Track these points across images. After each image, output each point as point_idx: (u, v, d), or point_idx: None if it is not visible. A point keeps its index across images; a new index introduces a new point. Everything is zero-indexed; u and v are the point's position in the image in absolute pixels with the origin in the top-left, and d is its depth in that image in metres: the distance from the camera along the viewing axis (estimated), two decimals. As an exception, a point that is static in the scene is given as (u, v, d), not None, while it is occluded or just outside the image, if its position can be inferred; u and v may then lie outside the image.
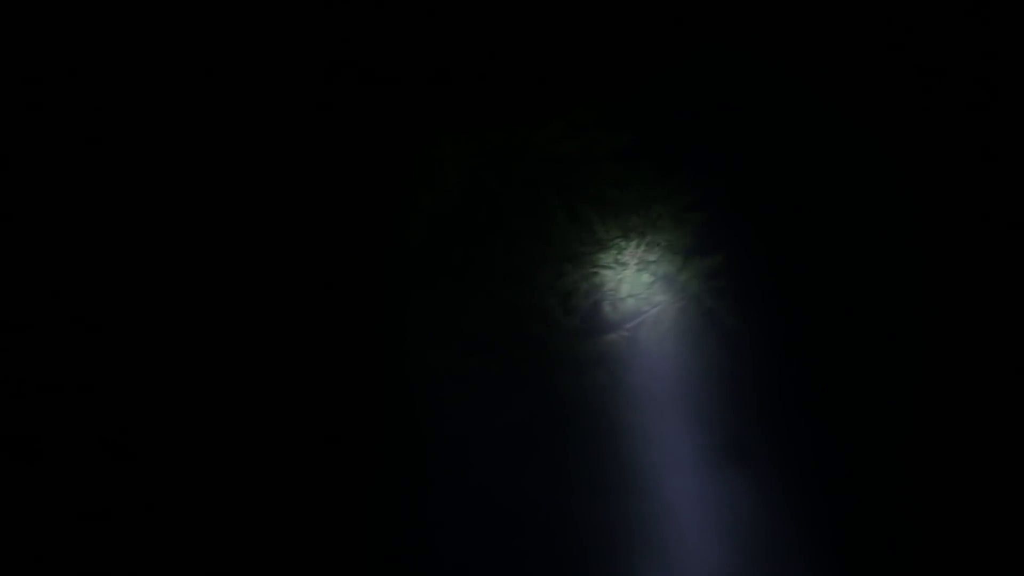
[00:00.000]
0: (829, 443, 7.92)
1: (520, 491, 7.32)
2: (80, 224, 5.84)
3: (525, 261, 8.55)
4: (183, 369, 5.76)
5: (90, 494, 5.43)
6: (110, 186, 5.94)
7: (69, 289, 5.71)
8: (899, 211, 8.20)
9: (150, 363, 5.83)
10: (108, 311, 5.76)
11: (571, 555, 7.24)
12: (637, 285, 8.62)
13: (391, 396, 7.07)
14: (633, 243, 8.60)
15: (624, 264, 8.61)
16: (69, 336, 5.64)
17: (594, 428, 8.28)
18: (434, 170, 7.67)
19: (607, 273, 8.63)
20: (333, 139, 6.67)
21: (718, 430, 8.03)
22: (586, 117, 8.38)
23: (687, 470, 7.87)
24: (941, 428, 7.72)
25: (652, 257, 8.59)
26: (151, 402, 5.75)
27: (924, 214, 8.16)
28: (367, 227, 6.87)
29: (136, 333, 5.82)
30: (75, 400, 5.55)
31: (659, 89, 8.42)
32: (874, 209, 8.19)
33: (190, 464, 5.61)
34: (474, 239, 8.29)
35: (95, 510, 5.40)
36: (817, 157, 8.30)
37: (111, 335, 5.78)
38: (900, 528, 7.64)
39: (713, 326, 8.41)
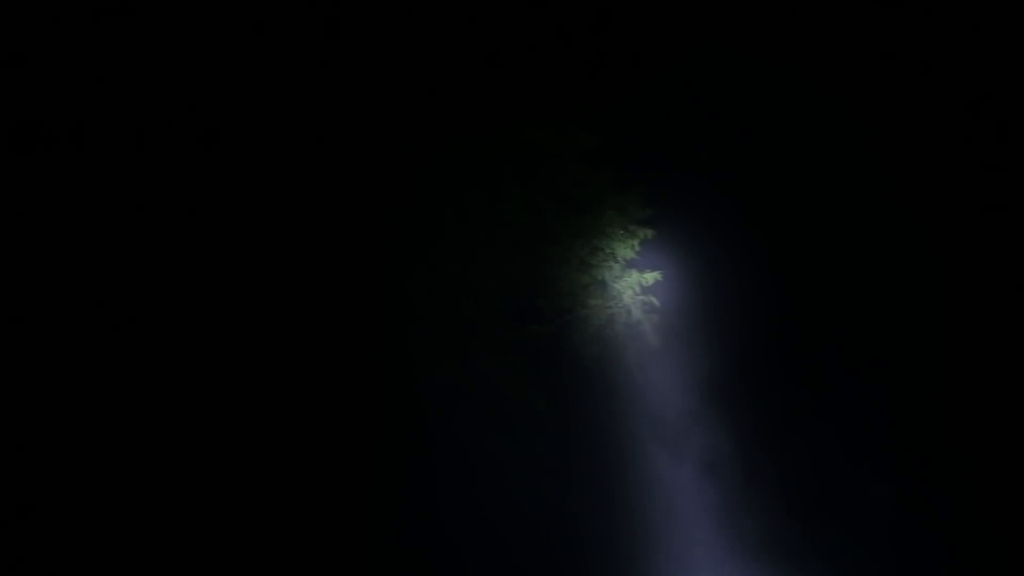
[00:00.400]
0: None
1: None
2: (84, 224, 5.53)
3: (473, 239, 8.61)
4: (186, 369, 5.60)
5: (95, 494, 5.22)
6: (119, 185, 5.63)
7: (68, 288, 5.42)
8: (858, 253, 8.58)
9: (153, 362, 5.62)
10: (110, 309, 5.50)
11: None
12: (574, 284, 8.88)
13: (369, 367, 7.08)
14: (579, 243, 8.83)
15: (567, 261, 8.84)
16: (69, 335, 5.36)
17: (506, 412, 8.49)
18: (408, 147, 7.60)
19: (548, 267, 8.83)
20: (320, 134, 6.56)
21: (625, 435, 8.42)
22: (563, 113, 8.46)
23: (593, 467, 8.22)
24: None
25: (594, 261, 8.86)
26: (155, 401, 5.56)
27: (887, 238, 8.52)
28: (344, 213, 6.79)
29: (139, 332, 5.59)
30: (76, 399, 5.29)
31: (637, 103, 8.60)
32: (823, 261, 8.58)
33: (193, 465, 5.49)
34: (428, 214, 8.25)
35: (100, 510, 5.19)
36: (773, 197, 8.60)
37: (113, 333, 5.52)
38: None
39: (637, 339, 8.77)
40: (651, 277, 8.72)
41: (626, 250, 8.80)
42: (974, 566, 7.66)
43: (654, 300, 8.74)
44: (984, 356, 8.12)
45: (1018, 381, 7.93)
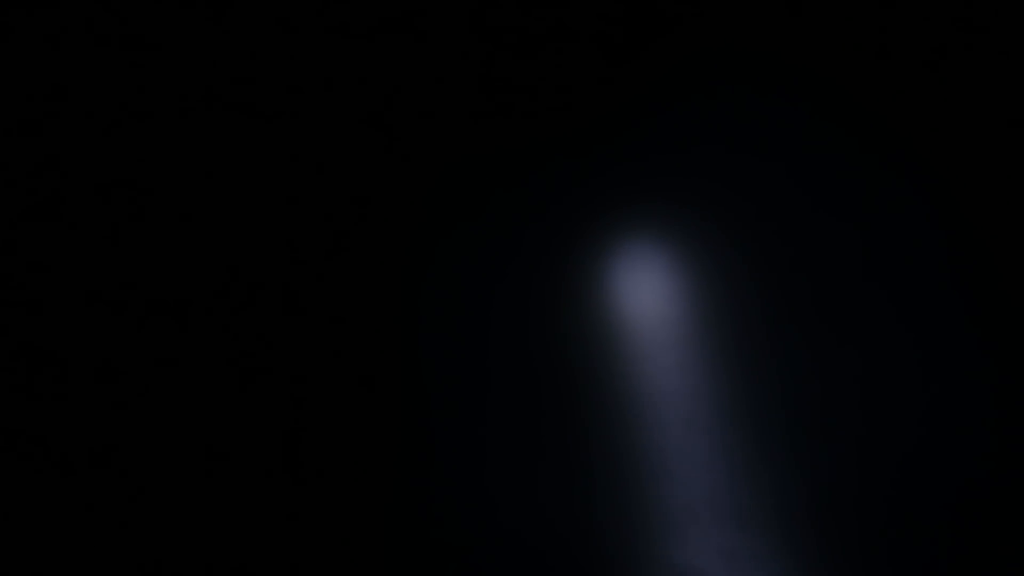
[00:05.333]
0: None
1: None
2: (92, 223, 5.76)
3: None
4: (197, 372, 5.77)
5: (91, 494, 5.40)
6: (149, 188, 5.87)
7: (66, 287, 5.63)
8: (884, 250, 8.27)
9: (163, 361, 5.80)
10: (123, 303, 5.70)
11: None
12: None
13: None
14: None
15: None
16: (67, 334, 5.56)
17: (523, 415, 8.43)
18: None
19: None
20: (330, 143, 6.69)
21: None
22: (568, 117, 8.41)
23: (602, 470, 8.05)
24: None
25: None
26: (162, 403, 5.75)
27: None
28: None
29: (153, 329, 5.78)
30: (75, 397, 5.49)
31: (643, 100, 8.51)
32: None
33: (192, 466, 5.65)
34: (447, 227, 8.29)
35: (97, 511, 5.37)
36: (788, 192, 8.38)
37: (119, 329, 5.72)
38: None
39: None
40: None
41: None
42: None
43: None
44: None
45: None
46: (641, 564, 6.18)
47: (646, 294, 8.20)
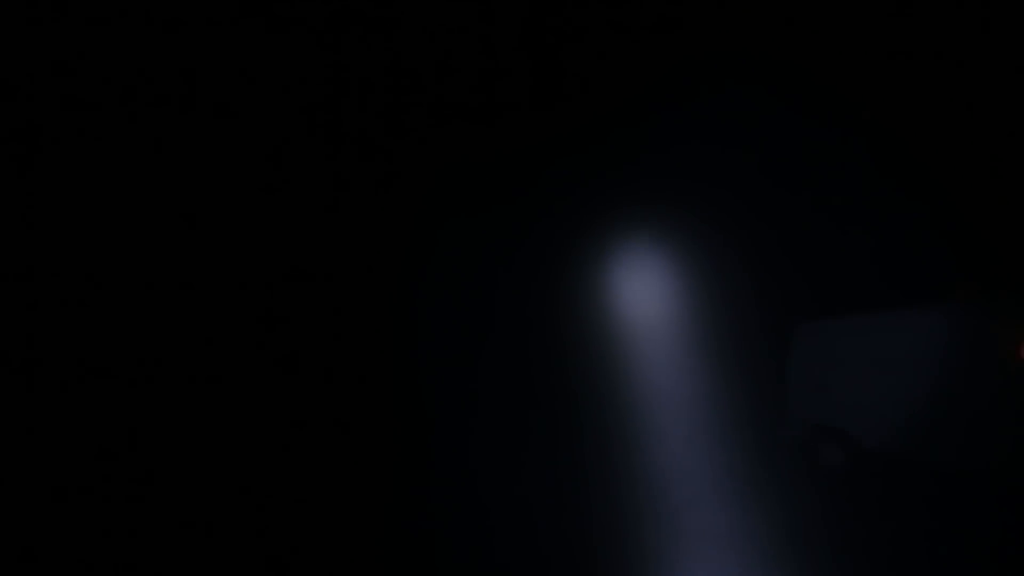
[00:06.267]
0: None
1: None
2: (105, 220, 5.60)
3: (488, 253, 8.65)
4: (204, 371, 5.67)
5: (93, 494, 5.28)
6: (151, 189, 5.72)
7: (76, 286, 5.50)
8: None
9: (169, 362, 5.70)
10: (127, 304, 5.57)
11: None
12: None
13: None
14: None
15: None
16: (73, 332, 5.43)
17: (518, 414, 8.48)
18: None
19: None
20: (336, 139, 6.62)
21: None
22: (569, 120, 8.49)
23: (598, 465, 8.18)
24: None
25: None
26: (170, 402, 5.64)
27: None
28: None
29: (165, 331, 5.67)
30: (78, 396, 5.36)
31: (641, 104, 8.60)
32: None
33: (197, 466, 5.55)
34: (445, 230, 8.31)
35: (97, 511, 5.25)
36: (782, 191, 8.54)
37: (122, 327, 5.59)
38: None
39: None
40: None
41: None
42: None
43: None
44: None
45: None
46: (637, 559, 6.21)
47: (645, 293, 8.18)
